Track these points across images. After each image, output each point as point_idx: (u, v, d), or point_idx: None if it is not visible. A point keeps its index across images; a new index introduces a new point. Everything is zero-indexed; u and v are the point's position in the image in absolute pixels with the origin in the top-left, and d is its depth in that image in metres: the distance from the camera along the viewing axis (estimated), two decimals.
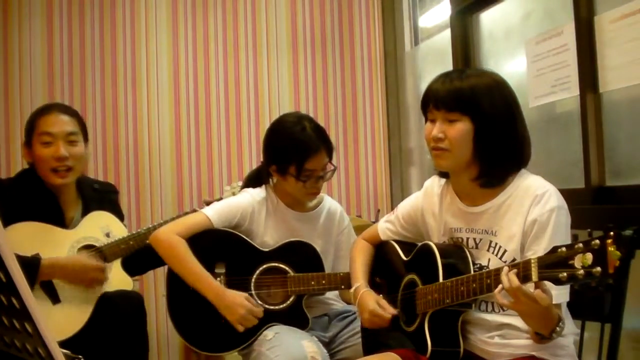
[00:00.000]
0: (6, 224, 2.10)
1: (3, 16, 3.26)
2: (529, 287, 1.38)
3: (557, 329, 1.44)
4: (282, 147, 2.16)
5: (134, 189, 3.38)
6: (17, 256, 2.05)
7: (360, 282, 1.91)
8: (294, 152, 2.13)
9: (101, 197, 2.42)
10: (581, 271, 1.24)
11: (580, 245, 1.25)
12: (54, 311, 2.12)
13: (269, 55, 3.61)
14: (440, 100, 1.62)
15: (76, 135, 2.27)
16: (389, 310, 1.79)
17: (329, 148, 2.19)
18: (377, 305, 1.81)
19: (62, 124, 2.25)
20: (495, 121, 1.59)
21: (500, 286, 1.41)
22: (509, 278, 1.38)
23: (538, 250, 1.50)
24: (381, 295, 1.88)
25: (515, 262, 1.45)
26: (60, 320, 2.11)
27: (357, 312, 1.90)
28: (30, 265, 2.06)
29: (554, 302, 1.47)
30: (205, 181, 3.49)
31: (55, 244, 2.21)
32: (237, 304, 2.07)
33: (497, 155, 1.61)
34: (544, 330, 1.45)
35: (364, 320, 1.86)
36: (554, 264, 1.30)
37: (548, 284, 1.43)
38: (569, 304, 1.60)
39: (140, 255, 2.37)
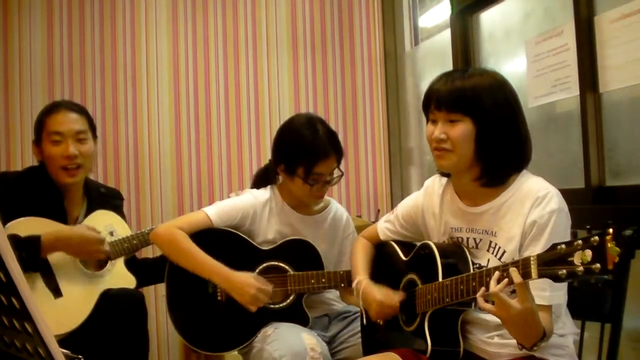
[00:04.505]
0: (9, 218, 2.11)
1: (3, 16, 3.25)
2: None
3: (540, 343, 1.45)
4: (293, 148, 2.15)
5: (134, 189, 3.38)
6: (16, 236, 2.06)
7: (361, 276, 1.91)
8: (304, 154, 2.12)
9: (106, 201, 2.43)
10: (580, 268, 1.24)
11: (580, 242, 1.25)
12: (56, 304, 2.13)
13: (269, 55, 3.61)
14: (442, 100, 1.60)
15: (85, 133, 2.29)
16: (396, 298, 1.79)
17: (338, 154, 2.18)
18: (384, 296, 1.80)
19: (71, 122, 2.26)
20: (498, 121, 1.59)
21: (481, 290, 1.43)
22: (495, 283, 1.39)
23: (535, 250, 1.49)
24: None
25: (515, 260, 1.45)
26: (61, 313, 2.12)
27: (362, 305, 1.89)
28: (31, 241, 2.08)
29: (549, 303, 1.48)
30: (205, 181, 3.49)
31: None
32: (246, 284, 2.07)
33: (499, 155, 1.60)
34: (526, 341, 1.45)
35: (372, 312, 1.84)
36: (553, 261, 1.30)
37: (540, 286, 1.45)
38: (569, 304, 1.60)
39: (145, 268, 2.39)
